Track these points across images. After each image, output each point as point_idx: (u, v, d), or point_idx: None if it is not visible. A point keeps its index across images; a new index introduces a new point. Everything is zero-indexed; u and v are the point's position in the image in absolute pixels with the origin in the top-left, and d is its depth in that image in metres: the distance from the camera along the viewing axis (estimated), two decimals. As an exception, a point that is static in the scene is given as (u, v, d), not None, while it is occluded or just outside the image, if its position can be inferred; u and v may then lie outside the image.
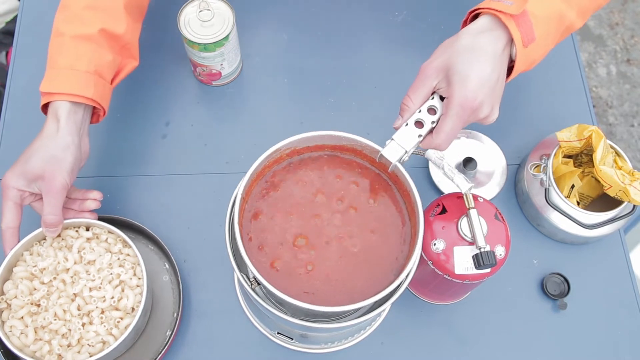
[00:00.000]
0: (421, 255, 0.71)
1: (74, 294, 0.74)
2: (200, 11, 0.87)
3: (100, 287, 0.75)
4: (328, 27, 1.03)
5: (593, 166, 0.82)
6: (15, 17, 1.14)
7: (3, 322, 0.73)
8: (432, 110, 0.69)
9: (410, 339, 0.84)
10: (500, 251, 0.70)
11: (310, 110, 0.97)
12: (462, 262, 0.70)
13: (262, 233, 0.66)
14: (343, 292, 0.64)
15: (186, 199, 0.90)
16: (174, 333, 0.79)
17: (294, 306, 0.60)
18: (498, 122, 0.96)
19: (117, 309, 0.75)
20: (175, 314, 0.81)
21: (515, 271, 0.87)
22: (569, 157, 0.89)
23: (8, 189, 0.73)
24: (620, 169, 0.83)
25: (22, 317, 0.73)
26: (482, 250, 0.66)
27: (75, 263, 0.75)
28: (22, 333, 0.72)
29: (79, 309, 0.74)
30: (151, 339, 0.81)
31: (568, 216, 0.84)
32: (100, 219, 0.85)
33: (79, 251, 0.76)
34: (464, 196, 0.69)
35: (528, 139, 0.95)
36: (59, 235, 0.77)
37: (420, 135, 0.68)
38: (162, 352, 0.78)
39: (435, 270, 0.72)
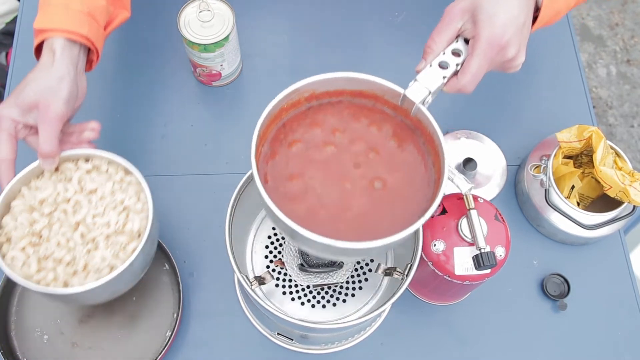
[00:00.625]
0: (421, 256, 0.71)
1: (77, 222, 0.71)
2: (200, 12, 0.87)
3: (103, 214, 0.72)
4: (328, 27, 1.03)
5: (593, 167, 0.82)
6: (15, 17, 1.14)
7: (4, 255, 0.70)
8: (456, 54, 0.68)
9: (410, 340, 0.84)
10: (500, 252, 0.70)
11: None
12: (462, 262, 0.70)
13: (279, 175, 0.62)
14: (367, 234, 0.59)
15: (186, 199, 0.90)
16: (173, 334, 0.79)
17: (319, 245, 0.56)
18: (498, 123, 0.97)
19: (122, 234, 0.71)
20: (175, 315, 0.81)
21: (515, 272, 0.87)
22: (569, 157, 0.89)
23: (2, 119, 0.71)
24: (620, 169, 0.83)
25: (23, 248, 0.70)
26: (482, 251, 0.66)
27: (75, 193, 0.73)
28: (24, 264, 0.69)
29: (82, 237, 0.71)
30: (151, 340, 0.81)
31: (568, 217, 0.84)
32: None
33: (79, 182, 0.73)
34: (464, 197, 0.69)
35: (528, 140, 0.95)
36: (57, 170, 0.74)
37: (444, 77, 0.66)
38: (162, 352, 0.78)
39: (435, 271, 0.72)
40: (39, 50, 0.74)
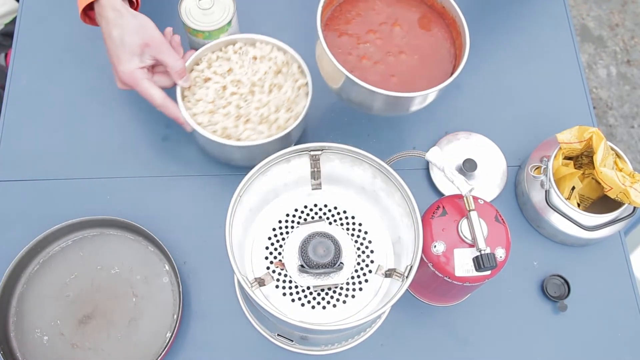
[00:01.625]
0: (421, 257, 0.71)
1: (250, 90, 0.83)
2: (199, 0, 0.87)
3: (260, 76, 0.84)
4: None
5: (593, 168, 0.82)
6: (15, 18, 1.14)
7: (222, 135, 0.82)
8: None
9: (410, 341, 0.84)
10: (500, 253, 0.70)
11: (311, 109, 0.97)
12: (463, 264, 0.70)
13: (334, 40, 0.80)
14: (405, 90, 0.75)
15: (186, 200, 0.90)
16: (173, 335, 0.79)
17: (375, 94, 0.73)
18: (498, 123, 0.97)
19: (288, 80, 0.85)
20: (175, 316, 0.81)
21: (515, 273, 0.87)
22: (570, 158, 0.89)
23: (134, 72, 0.80)
24: (620, 170, 0.83)
25: (226, 128, 0.82)
26: (483, 252, 0.66)
27: (224, 77, 0.84)
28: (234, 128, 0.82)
29: (260, 101, 0.83)
30: (151, 341, 0.81)
31: (568, 218, 0.84)
32: (102, 220, 0.85)
33: (214, 73, 0.84)
34: (465, 198, 0.69)
35: (528, 141, 0.95)
36: (189, 88, 0.84)
37: None
38: (162, 354, 0.78)
39: (436, 272, 0.72)
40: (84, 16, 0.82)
